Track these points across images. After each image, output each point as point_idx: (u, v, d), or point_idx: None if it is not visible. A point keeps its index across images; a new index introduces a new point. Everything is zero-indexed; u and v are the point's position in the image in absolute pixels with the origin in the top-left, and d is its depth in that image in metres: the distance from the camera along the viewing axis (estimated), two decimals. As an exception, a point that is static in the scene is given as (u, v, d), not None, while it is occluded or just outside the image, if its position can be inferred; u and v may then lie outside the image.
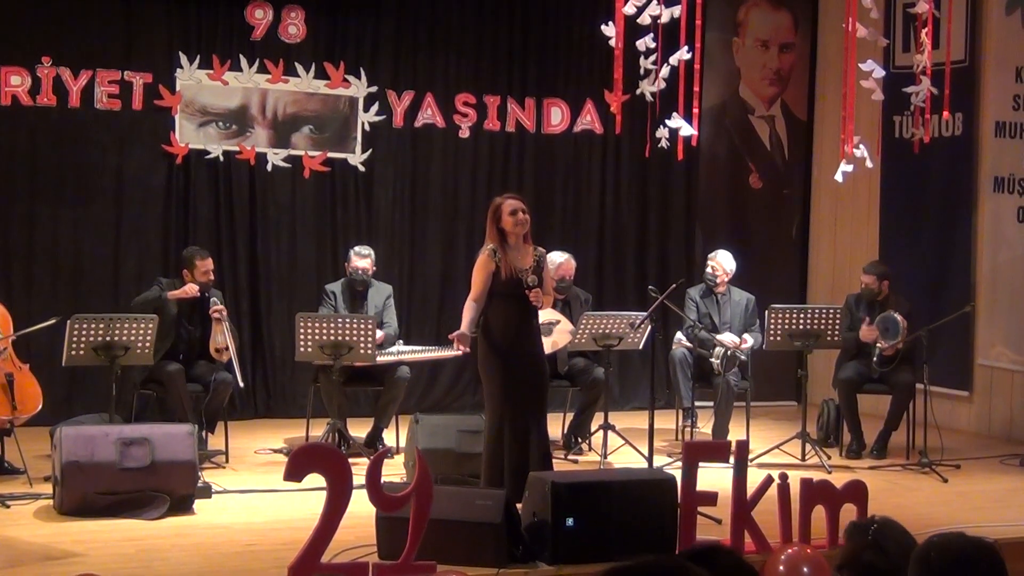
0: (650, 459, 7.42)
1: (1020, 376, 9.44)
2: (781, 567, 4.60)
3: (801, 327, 8.43)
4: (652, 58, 7.30)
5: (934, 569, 3.08)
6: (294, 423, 9.08)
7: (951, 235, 9.94)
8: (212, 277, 8.24)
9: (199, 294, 8.08)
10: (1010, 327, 9.50)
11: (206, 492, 6.94)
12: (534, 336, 6.88)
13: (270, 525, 6.54)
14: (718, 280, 8.92)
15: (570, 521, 5.80)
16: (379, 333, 8.48)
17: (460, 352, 8.77)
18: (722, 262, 8.98)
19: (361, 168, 10.05)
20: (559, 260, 8.53)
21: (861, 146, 7.36)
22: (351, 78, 9.97)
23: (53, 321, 7.48)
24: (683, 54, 7.15)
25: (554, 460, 7.13)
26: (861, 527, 3.65)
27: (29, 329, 7.57)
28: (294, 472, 5.28)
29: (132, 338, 7.42)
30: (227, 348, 7.96)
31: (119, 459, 6.55)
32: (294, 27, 9.82)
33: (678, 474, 6.11)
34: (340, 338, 7.92)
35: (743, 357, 8.69)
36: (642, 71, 7.43)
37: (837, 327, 8.49)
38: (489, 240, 6.81)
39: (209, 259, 8.27)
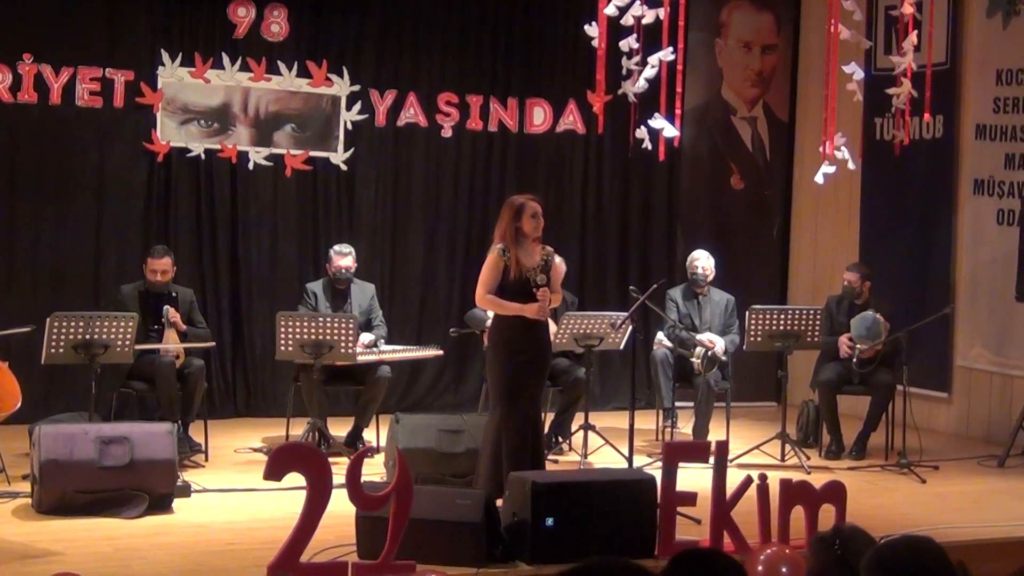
0: (630, 459, 7.43)
1: (999, 377, 9.48)
2: (760, 567, 4.62)
3: (781, 328, 8.46)
4: (635, 59, 7.31)
5: (890, 570, 3.11)
6: (274, 422, 9.05)
7: (931, 237, 9.98)
8: (168, 277, 8.19)
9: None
10: (989, 329, 9.55)
11: (185, 491, 6.93)
12: (542, 334, 6.93)
13: (250, 524, 6.53)
14: (708, 279, 8.98)
15: (550, 521, 5.81)
16: (369, 336, 8.48)
17: (441, 353, 8.81)
18: (708, 261, 9.03)
19: (343, 167, 10.04)
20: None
21: (843, 147, 7.39)
22: (334, 77, 9.95)
23: (29, 329, 7.51)
24: (666, 55, 7.16)
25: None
26: (826, 541, 3.62)
27: (3, 332, 7.56)
28: (274, 471, 5.28)
29: (112, 336, 7.40)
30: (178, 356, 7.98)
31: (98, 458, 6.54)
32: (277, 25, 9.80)
33: (658, 474, 6.13)
34: (321, 337, 7.91)
35: (723, 358, 8.72)
36: (624, 72, 7.44)
37: (817, 328, 8.52)
38: (500, 238, 6.83)
39: (164, 258, 8.18)
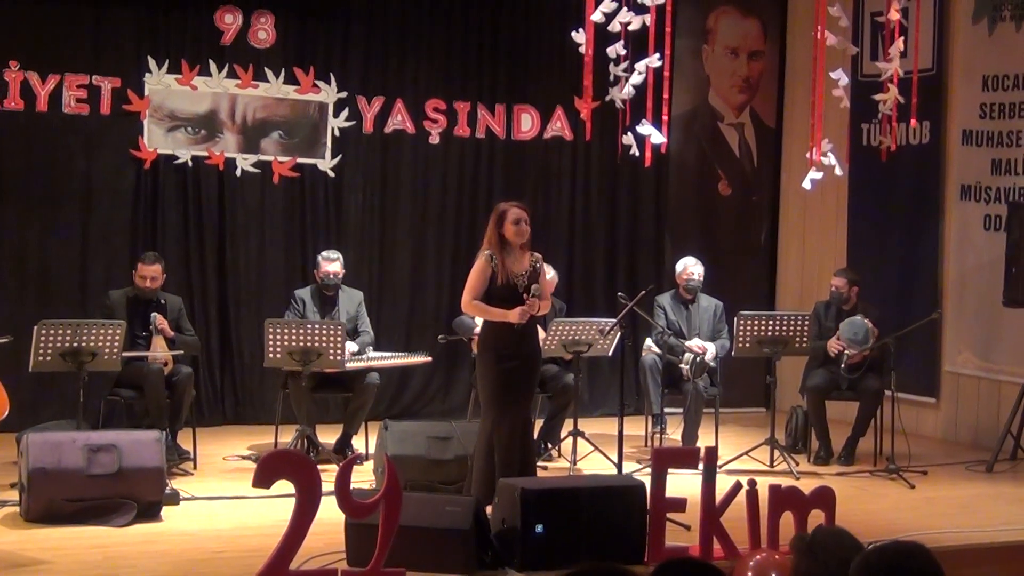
0: (619, 465, 7.42)
1: (986, 383, 9.50)
2: (750, 572, 4.63)
3: (770, 334, 8.47)
4: (622, 65, 7.33)
5: (875, 572, 3.13)
6: (263, 429, 9.04)
7: (918, 242, 10.00)
8: (157, 284, 8.17)
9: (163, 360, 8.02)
10: (976, 334, 9.57)
11: (174, 499, 6.91)
12: (532, 340, 6.92)
13: (238, 532, 6.51)
14: (701, 285, 9.00)
15: (539, 528, 5.80)
16: (353, 346, 8.47)
17: (430, 360, 8.77)
18: (698, 268, 9.04)
19: (331, 174, 10.03)
20: (547, 276, 8.52)
21: (830, 153, 7.40)
22: (321, 83, 9.95)
23: (6, 340, 7.49)
24: (653, 61, 7.17)
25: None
26: (802, 538, 3.67)
27: None
28: (263, 479, 5.27)
29: (99, 344, 7.38)
30: (166, 364, 7.96)
31: (86, 465, 6.52)
32: (264, 32, 9.79)
33: (647, 480, 6.12)
34: (309, 344, 7.90)
35: (712, 364, 8.73)
36: (612, 78, 7.45)
37: (805, 334, 8.53)
38: (488, 245, 6.83)
39: (155, 265, 8.17)
